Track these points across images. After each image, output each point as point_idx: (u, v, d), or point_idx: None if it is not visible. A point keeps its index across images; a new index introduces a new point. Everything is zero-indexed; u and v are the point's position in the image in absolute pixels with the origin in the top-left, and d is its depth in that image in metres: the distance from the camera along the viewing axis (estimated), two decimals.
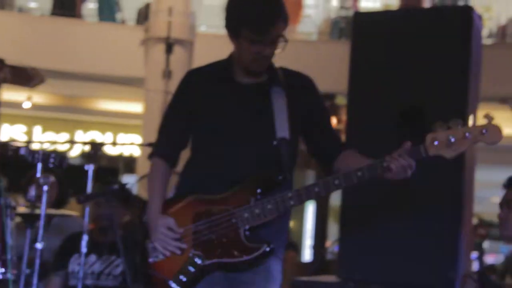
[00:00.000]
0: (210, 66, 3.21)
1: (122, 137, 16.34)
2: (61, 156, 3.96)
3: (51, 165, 3.96)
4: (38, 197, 4.09)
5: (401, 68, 4.14)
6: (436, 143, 2.80)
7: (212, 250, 2.96)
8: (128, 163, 15.72)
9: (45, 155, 3.92)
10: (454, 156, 2.82)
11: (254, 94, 3.10)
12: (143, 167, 11.30)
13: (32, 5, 15.79)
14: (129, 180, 11.72)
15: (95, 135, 16.25)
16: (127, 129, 16.12)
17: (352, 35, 4.41)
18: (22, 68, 5.79)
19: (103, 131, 16.27)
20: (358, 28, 4.36)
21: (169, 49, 12.62)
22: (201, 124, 3.11)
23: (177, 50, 12.79)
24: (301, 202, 2.95)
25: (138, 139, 15.64)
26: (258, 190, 2.97)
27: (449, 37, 4.06)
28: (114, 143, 16.11)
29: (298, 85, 3.16)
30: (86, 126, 16.24)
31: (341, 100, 12.33)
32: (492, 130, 2.80)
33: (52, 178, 3.96)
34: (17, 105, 13.90)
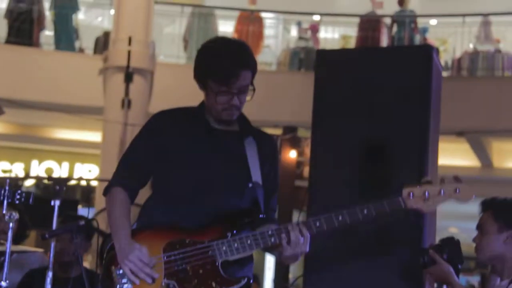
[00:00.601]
0: (183, 109, 3.26)
1: (79, 166, 16.24)
2: (27, 193, 3.94)
3: (17, 202, 3.95)
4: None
5: (364, 103, 4.24)
6: (411, 196, 2.95)
7: (187, 280, 2.96)
8: (85, 193, 15.65)
9: (12, 192, 3.91)
10: (430, 211, 3.01)
11: (228, 139, 3.17)
12: (101, 198, 11.28)
13: None
14: (85, 212, 11.66)
15: (51, 165, 16.14)
16: (84, 158, 16.04)
17: (316, 71, 4.51)
18: None
19: (59, 160, 16.16)
20: (322, 65, 4.47)
21: (128, 78, 12.62)
22: (171, 162, 3.12)
23: (137, 79, 12.81)
24: (280, 240, 2.96)
25: (95, 169, 15.60)
26: (236, 225, 3.02)
27: (410, 74, 4.19)
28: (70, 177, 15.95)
29: (266, 141, 3.29)
30: (42, 156, 16.13)
31: (303, 133, 12.44)
32: (464, 190, 3.00)
33: (17, 215, 3.95)
34: None
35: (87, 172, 16.17)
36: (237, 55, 3.04)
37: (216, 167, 3.12)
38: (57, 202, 4.29)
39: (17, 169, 16.10)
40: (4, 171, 15.87)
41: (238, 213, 3.08)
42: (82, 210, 11.31)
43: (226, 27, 15.34)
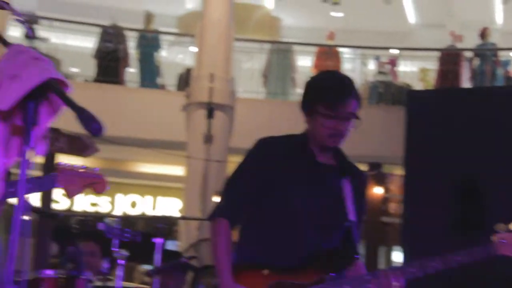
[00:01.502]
0: (286, 137, 3.33)
1: (161, 200, 16.51)
2: (136, 231, 4.11)
3: (125, 240, 4.11)
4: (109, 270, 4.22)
5: (456, 142, 4.29)
6: (504, 242, 2.99)
7: None
8: (168, 226, 15.85)
9: (121, 231, 4.08)
10: None
11: (329, 174, 3.23)
12: (186, 232, 11.46)
13: (76, 71, 16.14)
14: (171, 245, 11.84)
15: (135, 198, 16.43)
16: (167, 192, 16.30)
17: (407, 111, 4.59)
18: (78, 137, 5.84)
19: (142, 194, 16.46)
20: (413, 104, 4.55)
21: (210, 114, 12.81)
22: (274, 195, 3.18)
23: (218, 114, 12.97)
24: (379, 287, 2.99)
25: (178, 202, 15.82)
26: (334, 266, 3.06)
27: (502, 115, 4.22)
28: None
29: (360, 177, 3.37)
30: (127, 189, 16.43)
31: (388, 169, 12.33)
32: None
33: (126, 252, 4.12)
34: None
35: (170, 206, 16.42)
36: (345, 83, 3.21)
37: (316, 203, 3.17)
38: (160, 241, 4.42)
39: (103, 203, 16.44)
40: (92, 205, 16.24)
41: (335, 253, 3.13)
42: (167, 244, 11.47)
43: (304, 62, 15.47)
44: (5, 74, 1.97)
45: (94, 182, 3.62)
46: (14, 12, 2.20)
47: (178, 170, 14.15)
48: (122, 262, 4.05)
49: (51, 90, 1.96)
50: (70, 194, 3.58)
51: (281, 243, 3.16)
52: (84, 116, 1.90)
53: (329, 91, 3.16)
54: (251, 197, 3.21)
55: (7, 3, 2.17)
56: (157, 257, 4.38)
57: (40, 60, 1.99)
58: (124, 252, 4.06)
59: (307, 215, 3.16)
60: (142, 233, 4.41)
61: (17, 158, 2.00)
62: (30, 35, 2.02)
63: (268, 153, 3.26)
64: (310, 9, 16.92)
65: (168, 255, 4.84)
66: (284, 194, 3.18)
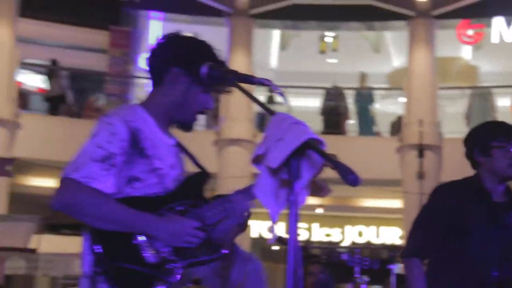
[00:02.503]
0: (461, 182, 3.31)
1: (383, 229, 16.57)
2: (373, 260, 4.22)
3: (365, 267, 4.24)
4: None
5: None
6: None
7: None
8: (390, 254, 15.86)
9: (361, 259, 4.23)
10: None
11: (504, 212, 3.19)
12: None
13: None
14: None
15: (361, 229, 16.60)
16: (387, 222, 16.34)
17: None
18: (313, 181, 6.10)
19: (367, 224, 16.60)
20: None
21: (421, 154, 12.82)
22: (457, 237, 3.15)
23: (428, 154, 12.99)
24: None
25: (398, 231, 15.83)
26: None
27: None
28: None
29: None
30: (354, 221, 16.66)
31: None
32: None
33: (367, 278, 4.22)
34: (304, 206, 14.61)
35: (391, 234, 16.44)
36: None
37: (495, 241, 3.11)
38: (395, 267, 4.45)
39: (335, 233, 16.78)
40: (326, 235, 16.63)
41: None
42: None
43: (503, 102, 14.98)
44: (272, 138, 2.05)
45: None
46: (273, 87, 2.24)
47: (396, 203, 14.18)
48: (364, 286, 4.19)
49: (310, 148, 2.01)
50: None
51: (465, 278, 3.14)
52: (342, 169, 1.89)
53: (501, 126, 3.28)
54: (437, 238, 3.19)
55: (269, 80, 2.25)
56: (392, 281, 4.46)
57: (300, 124, 2.05)
58: (366, 278, 4.21)
59: (486, 255, 3.13)
60: (379, 261, 4.57)
61: (285, 206, 2.05)
62: (286, 103, 2.15)
63: (447, 199, 3.23)
64: (506, 55, 16.41)
65: (400, 279, 4.88)
66: (466, 235, 3.15)
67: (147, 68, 2.54)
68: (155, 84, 2.50)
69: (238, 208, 2.44)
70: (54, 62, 14.70)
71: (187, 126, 2.50)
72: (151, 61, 2.50)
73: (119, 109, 2.46)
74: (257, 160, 2.12)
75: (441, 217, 3.18)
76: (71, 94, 15.26)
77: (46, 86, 15.15)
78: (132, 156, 2.34)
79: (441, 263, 3.19)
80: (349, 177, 1.87)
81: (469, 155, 3.30)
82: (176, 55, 2.43)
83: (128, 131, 2.34)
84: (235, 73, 2.34)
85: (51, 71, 14.75)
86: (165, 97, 2.45)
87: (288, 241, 1.99)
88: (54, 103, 14.44)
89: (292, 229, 1.99)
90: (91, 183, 2.25)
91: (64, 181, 2.26)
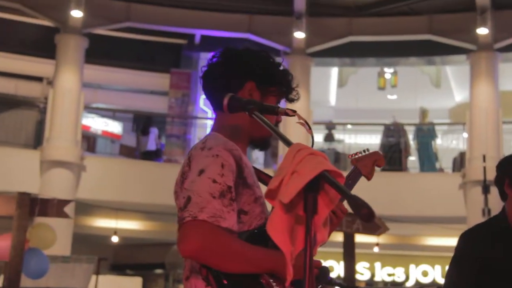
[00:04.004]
0: (486, 225, 3.26)
1: None
2: None
3: None
4: None
5: None
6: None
7: None
8: None
9: None
10: None
11: None
12: None
13: None
14: None
15: (426, 268, 16.22)
16: None
17: None
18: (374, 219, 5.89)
19: (432, 264, 16.19)
20: None
21: (486, 190, 12.41)
22: (490, 281, 3.05)
23: (494, 190, 12.50)
24: None
25: None
26: None
27: None
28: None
29: None
30: (418, 260, 16.31)
31: None
32: None
33: None
34: (365, 245, 14.38)
35: None
36: None
37: None
38: None
39: (399, 273, 16.44)
40: (389, 275, 16.29)
41: None
42: None
43: None
44: (286, 172, 1.96)
45: None
46: (305, 126, 2.19)
47: None
48: None
49: (326, 181, 1.90)
50: None
51: None
52: (356, 204, 1.80)
53: None
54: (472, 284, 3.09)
55: (294, 111, 2.18)
56: None
57: (316, 155, 1.97)
58: None
59: None
60: None
61: (302, 246, 1.93)
62: (312, 136, 2.08)
63: (478, 245, 3.15)
64: None
65: None
66: (500, 278, 3.05)
67: (207, 91, 2.44)
68: (219, 108, 2.31)
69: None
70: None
71: (266, 143, 2.46)
72: (213, 82, 2.40)
73: (214, 139, 2.28)
74: (270, 194, 1.98)
75: (471, 266, 3.10)
76: (133, 137, 15.64)
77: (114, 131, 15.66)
78: (238, 187, 2.21)
79: None
80: (363, 212, 1.76)
81: (499, 184, 3.19)
82: (248, 70, 2.37)
83: (234, 161, 2.22)
84: (257, 103, 2.20)
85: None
86: (240, 117, 2.29)
87: (303, 282, 1.85)
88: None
89: (307, 268, 1.85)
90: (220, 223, 2.09)
91: (191, 223, 2.06)
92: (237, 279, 2.11)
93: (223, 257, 2.08)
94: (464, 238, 3.23)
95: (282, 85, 2.43)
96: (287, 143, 2.07)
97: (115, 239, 14.49)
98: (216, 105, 2.42)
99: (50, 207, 9.61)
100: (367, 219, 1.76)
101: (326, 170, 1.90)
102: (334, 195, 1.92)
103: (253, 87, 2.37)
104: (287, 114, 2.21)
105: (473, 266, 3.09)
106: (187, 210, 2.09)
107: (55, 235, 9.51)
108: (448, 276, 3.23)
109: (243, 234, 2.19)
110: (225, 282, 2.09)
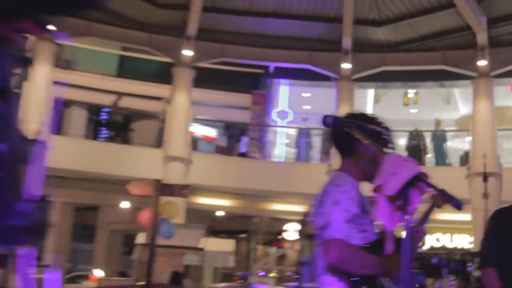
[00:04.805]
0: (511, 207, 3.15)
1: (456, 236, 15.88)
2: (456, 263, 3.90)
3: (452, 269, 3.94)
4: None
5: None
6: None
7: None
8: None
9: (449, 262, 3.93)
10: None
11: None
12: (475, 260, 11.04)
13: None
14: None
15: (439, 236, 15.93)
16: (460, 231, 15.69)
17: None
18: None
19: (444, 232, 15.94)
20: None
21: (485, 179, 12.38)
22: None
23: (491, 180, 12.51)
24: None
25: (468, 237, 15.17)
26: None
27: None
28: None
29: None
30: (432, 230, 15.97)
31: None
32: None
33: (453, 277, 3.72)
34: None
35: (462, 240, 15.75)
36: None
37: None
38: (471, 268, 4.22)
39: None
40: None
41: None
42: None
43: None
44: (388, 173, 2.01)
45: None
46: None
47: (466, 217, 13.65)
48: (451, 283, 4.12)
49: (420, 180, 1.92)
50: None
51: None
52: (446, 196, 1.80)
53: None
54: (501, 251, 3.01)
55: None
56: (472, 279, 4.38)
57: (409, 161, 1.99)
58: (452, 277, 4.10)
59: None
60: (461, 264, 4.38)
61: (397, 224, 1.99)
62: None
63: (503, 220, 3.08)
64: None
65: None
66: None
67: (334, 143, 2.38)
68: (345, 154, 2.35)
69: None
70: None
71: (373, 179, 2.32)
72: (342, 137, 2.32)
73: (343, 179, 2.29)
74: (376, 189, 2.11)
75: (501, 235, 3.04)
76: (225, 139, 15.90)
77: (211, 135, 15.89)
78: (360, 214, 2.23)
79: (506, 270, 2.99)
80: (454, 203, 1.81)
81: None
82: (365, 131, 2.25)
83: (357, 195, 2.25)
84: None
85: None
86: (362, 163, 2.31)
87: (402, 250, 1.91)
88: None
89: (406, 240, 1.92)
90: (351, 240, 2.16)
91: (333, 241, 2.14)
92: (361, 276, 2.15)
93: (354, 264, 2.13)
94: (496, 213, 3.16)
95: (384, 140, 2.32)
96: (383, 153, 2.13)
97: (220, 213, 14.57)
98: (343, 153, 2.39)
99: (174, 189, 9.99)
100: (458, 207, 1.79)
101: (419, 172, 1.95)
102: (423, 189, 1.96)
103: (369, 144, 2.27)
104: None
105: (505, 234, 3.04)
106: (328, 231, 2.16)
107: (178, 209, 9.97)
108: (484, 241, 3.13)
109: (364, 247, 2.21)
110: (353, 279, 2.13)
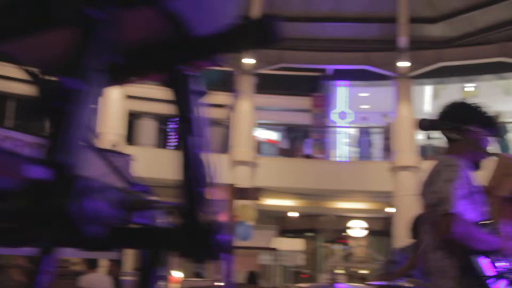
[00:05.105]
0: None
1: None
2: None
3: None
4: None
5: None
6: None
7: None
8: None
9: None
10: None
11: None
12: None
13: None
14: None
15: None
16: None
17: None
18: None
19: None
20: None
21: None
22: None
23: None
24: None
25: None
26: None
27: None
28: None
29: None
30: None
31: None
32: None
33: None
34: None
35: None
36: None
37: None
38: None
39: None
40: None
41: None
42: None
43: None
44: (501, 174, 2.10)
45: None
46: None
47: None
48: None
49: None
50: None
51: None
52: None
53: None
54: None
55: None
56: None
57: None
58: None
59: None
60: None
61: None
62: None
63: None
64: None
65: None
66: None
67: (440, 129, 2.42)
68: (452, 139, 2.40)
69: None
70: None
71: (480, 164, 2.40)
72: (450, 122, 2.38)
73: (453, 160, 2.31)
74: (489, 190, 2.21)
75: None
76: (286, 142, 16.23)
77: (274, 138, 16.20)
78: (470, 193, 2.25)
79: None
80: None
81: None
82: (474, 116, 2.39)
83: (468, 174, 2.28)
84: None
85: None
86: (470, 146, 2.35)
87: None
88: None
89: None
90: (466, 216, 2.17)
91: (451, 215, 2.14)
92: (477, 251, 2.16)
93: (472, 238, 2.15)
94: None
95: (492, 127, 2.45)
96: (495, 155, 2.25)
97: (292, 214, 14.49)
98: (450, 140, 2.44)
99: (247, 193, 10.49)
100: None
101: None
102: None
103: (477, 128, 2.39)
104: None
105: None
106: (443, 206, 2.15)
107: (254, 212, 10.38)
108: None
109: (479, 223, 2.22)
110: (465, 255, 2.14)
